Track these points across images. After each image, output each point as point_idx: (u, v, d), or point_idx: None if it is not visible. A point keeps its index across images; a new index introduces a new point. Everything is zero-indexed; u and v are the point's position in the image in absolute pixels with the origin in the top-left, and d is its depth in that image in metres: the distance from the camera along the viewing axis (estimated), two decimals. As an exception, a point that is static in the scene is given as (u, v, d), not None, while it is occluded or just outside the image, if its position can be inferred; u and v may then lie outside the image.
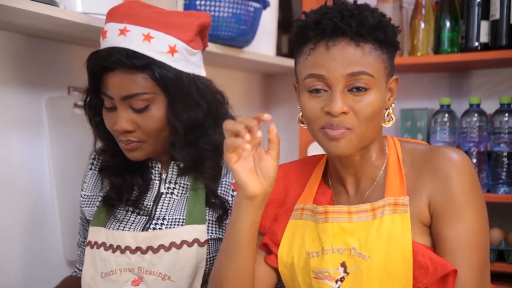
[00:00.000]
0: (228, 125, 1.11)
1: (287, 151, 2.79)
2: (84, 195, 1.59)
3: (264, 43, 2.36)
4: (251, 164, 1.15)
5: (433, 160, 1.21)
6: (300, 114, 1.28)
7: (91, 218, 1.55)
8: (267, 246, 1.32)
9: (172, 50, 1.41)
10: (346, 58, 1.15)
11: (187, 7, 1.98)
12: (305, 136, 2.45)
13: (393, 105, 1.26)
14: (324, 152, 1.35)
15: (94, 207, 1.56)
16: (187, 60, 1.44)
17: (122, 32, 1.39)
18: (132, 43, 1.38)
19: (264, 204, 1.19)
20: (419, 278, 1.15)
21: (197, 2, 1.98)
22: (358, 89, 1.16)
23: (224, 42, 2.08)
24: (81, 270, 1.60)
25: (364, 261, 1.18)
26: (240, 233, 1.19)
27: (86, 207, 1.58)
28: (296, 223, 1.29)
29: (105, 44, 1.42)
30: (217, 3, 1.99)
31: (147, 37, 1.39)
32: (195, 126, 1.44)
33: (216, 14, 1.99)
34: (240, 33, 2.08)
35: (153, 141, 1.44)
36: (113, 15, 1.43)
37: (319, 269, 1.22)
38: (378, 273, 1.17)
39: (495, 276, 2.11)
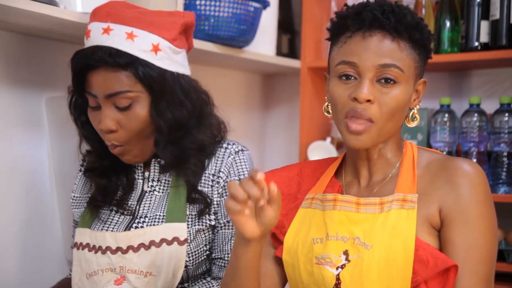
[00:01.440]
0: (231, 189, 1.11)
1: (287, 151, 2.80)
2: (74, 196, 1.60)
3: (264, 43, 2.36)
4: (251, 212, 1.14)
5: (449, 169, 1.23)
6: (326, 104, 1.31)
7: (79, 217, 1.56)
8: (276, 237, 1.33)
9: (156, 49, 1.41)
10: (380, 49, 1.19)
11: (187, 7, 1.98)
12: (305, 136, 2.45)
13: (418, 106, 1.29)
14: (323, 153, 1.35)
15: (82, 208, 1.57)
16: (171, 59, 1.44)
17: (106, 31, 1.40)
18: (116, 42, 1.39)
19: (263, 241, 1.20)
20: (418, 271, 1.16)
21: (197, 2, 1.98)
22: (387, 80, 1.19)
23: (224, 42, 2.08)
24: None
25: (366, 250, 1.19)
26: (241, 265, 1.20)
27: (75, 208, 1.59)
28: (305, 211, 1.31)
29: (88, 43, 1.43)
30: (217, 3, 1.99)
31: (130, 36, 1.40)
32: (179, 125, 1.44)
33: (216, 14, 1.99)
34: (240, 33, 2.08)
35: (136, 142, 1.44)
36: (97, 14, 1.44)
37: (322, 255, 1.23)
38: (378, 263, 1.18)
39: (495, 276, 2.11)
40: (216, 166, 1.51)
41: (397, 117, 1.23)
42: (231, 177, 1.50)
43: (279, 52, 2.54)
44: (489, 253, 1.20)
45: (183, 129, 1.46)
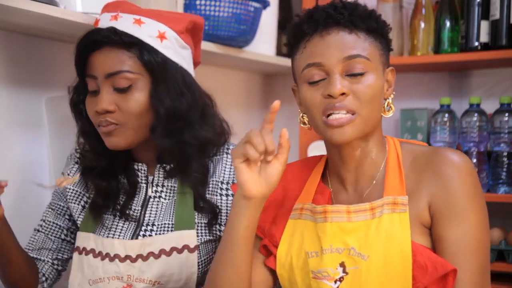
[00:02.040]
0: (253, 137, 1.13)
1: (287, 151, 2.79)
2: (70, 189, 1.55)
3: (264, 43, 2.36)
4: (256, 165, 1.15)
5: (434, 162, 1.20)
6: (301, 115, 1.28)
7: (77, 217, 1.53)
8: (267, 248, 1.31)
9: (162, 36, 1.42)
10: (341, 43, 1.18)
11: (187, 7, 1.98)
12: (305, 136, 2.45)
13: (392, 95, 1.26)
14: (323, 153, 1.35)
15: (79, 205, 1.54)
16: (176, 50, 1.44)
17: (114, 17, 1.42)
18: (122, 25, 1.40)
19: (262, 207, 1.19)
20: (418, 277, 1.14)
21: (197, 2, 1.98)
22: (356, 75, 1.18)
23: (224, 42, 2.08)
24: (30, 251, 1.56)
25: (363, 261, 1.18)
26: (236, 233, 1.19)
27: (72, 202, 1.54)
28: (295, 223, 1.29)
29: None
30: (217, 3, 1.99)
31: (138, 22, 1.41)
32: (178, 114, 1.42)
33: (216, 14, 1.99)
34: (240, 33, 2.08)
35: (133, 126, 1.41)
36: (107, 7, 1.48)
37: (318, 269, 1.21)
38: (377, 273, 1.16)
39: (495, 276, 2.11)
40: (224, 174, 1.48)
41: (376, 105, 1.21)
42: None
43: (279, 52, 2.54)
44: (481, 244, 1.17)
45: (183, 120, 1.43)
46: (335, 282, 1.19)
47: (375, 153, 1.26)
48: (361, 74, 1.18)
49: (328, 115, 1.18)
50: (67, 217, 1.58)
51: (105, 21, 1.43)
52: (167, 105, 1.40)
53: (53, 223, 1.58)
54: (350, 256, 1.19)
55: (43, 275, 1.55)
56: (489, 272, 1.21)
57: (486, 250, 1.19)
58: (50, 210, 1.59)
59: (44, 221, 1.59)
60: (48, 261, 1.56)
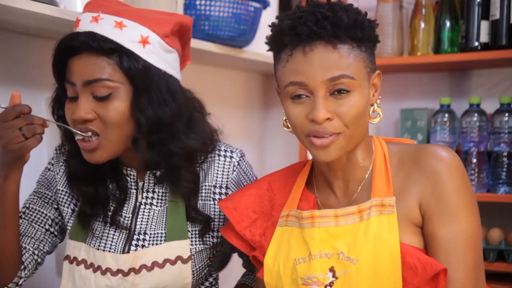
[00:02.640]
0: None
1: (287, 151, 2.80)
2: (60, 190, 1.49)
3: (264, 43, 2.36)
4: None
5: (421, 159, 1.19)
6: (284, 118, 1.26)
7: (67, 221, 1.47)
8: (257, 260, 1.30)
9: (144, 41, 1.33)
10: (325, 62, 1.14)
11: (187, 7, 1.98)
12: (305, 136, 2.45)
13: (378, 100, 1.24)
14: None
15: (68, 208, 1.48)
16: (160, 55, 1.35)
17: (95, 19, 1.33)
18: (103, 28, 1.31)
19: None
20: (408, 279, 1.14)
21: (197, 2, 1.98)
22: (340, 92, 1.15)
23: (224, 42, 2.08)
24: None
25: (352, 265, 1.17)
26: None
27: (63, 205, 1.48)
28: (282, 230, 1.27)
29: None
30: (217, 3, 1.99)
31: (119, 25, 1.32)
32: (160, 124, 1.34)
33: (216, 14, 1.99)
34: (240, 33, 2.08)
35: (113, 137, 1.32)
36: (89, 6, 1.39)
37: (308, 275, 1.20)
38: (367, 276, 1.15)
39: (495, 276, 2.12)
40: (217, 178, 1.44)
41: (361, 122, 1.19)
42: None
43: (279, 52, 2.54)
44: (474, 240, 1.16)
45: (166, 130, 1.36)
46: (325, 287, 1.19)
47: (362, 158, 1.25)
48: (345, 93, 1.15)
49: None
50: (54, 206, 1.50)
51: (85, 23, 1.34)
52: (149, 115, 1.32)
53: (38, 211, 1.49)
54: (339, 260, 1.18)
55: (23, 263, 1.43)
56: (483, 269, 1.20)
57: (479, 245, 1.18)
58: (35, 197, 1.51)
59: (27, 208, 1.49)
60: (29, 250, 1.44)
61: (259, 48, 2.31)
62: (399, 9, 2.35)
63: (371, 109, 1.22)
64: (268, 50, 1.25)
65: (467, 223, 1.16)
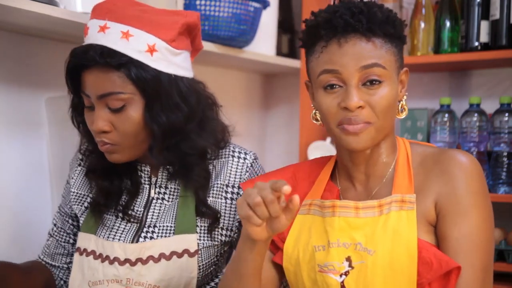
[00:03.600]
0: (256, 207, 1.07)
1: (287, 151, 2.80)
2: (74, 192, 1.56)
3: (264, 43, 2.36)
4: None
5: (442, 162, 1.22)
6: (314, 112, 1.30)
7: (81, 216, 1.54)
8: (275, 244, 1.33)
9: (151, 50, 1.36)
10: (359, 52, 1.18)
11: (187, 7, 1.98)
12: (305, 136, 2.45)
13: (405, 96, 1.28)
14: (323, 154, 1.35)
15: (82, 206, 1.54)
16: (168, 61, 1.38)
17: (102, 29, 1.36)
18: (110, 41, 1.35)
19: (268, 244, 1.20)
20: (423, 273, 1.16)
21: (197, 2, 1.98)
22: (372, 82, 1.19)
23: (224, 42, 2.08)
24: (43, 260, 1.60)
25: (369, 256, 1.19)
26: (243, 264, 1.20)
27: (75, 204, 1.55)
28: (304, 218, 1.30)
29: (86, 41, 1.39)
30: (217, 3, 1.99)
31: (126, 35, 1.35)
32: (174, 130, 1.38)
33: (216, 14, 1.99)
34: (240, 33, 2.08)
35: (129, 144, 1.39)
36: (97, 11, 1.40)
37: (325, 263, 1.23)
38: (382, 268, 1.18)
39: (495, 276, 2.11)
40: (230, 177, 1.47)
41: (391, 114, 1.23)
42: None
43: (279, 52, 2.54)
44: (484, 243, 1.18)
45: (179, 134, 1.40)
46: (341, 276, 1.21)
47: (386, 154, 1.28)
48: (378, 83, 1.19)
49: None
50: (71, 222, 1.59)
51: (93, 33, 1.37)
52: (163, 122, 1.37)
53: (61, 228, 1.60)
54: (356, 251, 1.21)
55: (61, 279, 1.59)
56: (491, 271, 1.22)
57: (490, 249, 1.20)
58: (59, 214, 1.61)
59: (55, 225, 1.61)
60: (63, 267, 1.59)
61: (259, 48, 2.31)
62: (399, 9, 2.35)
63: (400, 104, 1.27)
64: (301, 47, 1.29)
65: (480, 226, 1.18)
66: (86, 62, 1.35)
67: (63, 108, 1.70)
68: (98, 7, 1.41)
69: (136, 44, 1.35)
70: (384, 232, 1.19)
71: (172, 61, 1.39)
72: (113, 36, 1.35)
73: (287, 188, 1.05)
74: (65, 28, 1.64)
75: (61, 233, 1.59)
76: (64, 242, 1.59)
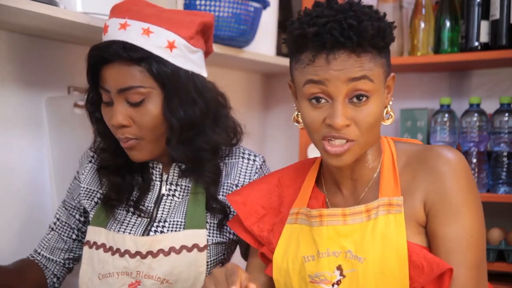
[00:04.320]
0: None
1: (287, 151, 2.80)
2: (84, 188, 1.58)
3: (264, 43, 2.36)
4: None
5: (428, 159, 1.21)
6: (296, 113, 1.28)
7: (91, 211, 1.55)
8: (265, 257, 1.31)
9: (171, 46, 1.40)
10: (347, 67, 1.14)
11: (187, 7, 1.98)
12: (305, 136, 2.45)
13: (390, 102, 1.25)
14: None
15: (92, 201, 1.56)
16: (186, 57, 1.43)
17: (123, 26, 1.40)
18: (131, 37, 1.39)
19: None
20: (415, 278, 1.14)
21: (197, 2, 1.98)
22: (359, 98, 1.15)
23: (224, 42, 2.08)
24: (39, 254, 1.60)
25: (360, 263, 1.17)
26: None
27: (85, 199, 1.57)
28: (291, 227, 1.29)
29: (105, 38, 1.43)
30: (217, 3, 1.99)
31: (146, 32, 1.39)
32: (191, 124, 1.43)
33: (216, 14, 1.99)
34: (240, 33, 2.08)
35: (149, 138, 1.42)
36: (116, 11, 1.45)
37: (315, 273, 1.21)
38: (374, 275, 1.16)
39: (495, 276, 2.11)
40: (239, 178, 1.51)
41: (376, 129, 1.20)
42: None
43: (279, 52, 2.54)
44: (476, 240, 1.17)
45: (196, 128, 1.44)
46: (333, 285, 1.20)
47: (372, 159, 1.26)
48: (365, 101, 1.15)
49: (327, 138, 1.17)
50: (77, 217, 1.60)
51: (114, 30, 1.41)
52: (181, 116, 1.41)
53: (65, 223, 1.61)
54: (347, 259, 1.19)
55: (55, 275, 1.60)
56: (485, 268, 1.21)
57: (482, 246, 1.19)
58: (63, 209, 1.62)
59: (58, 219, 1.62)
60: (60, 262, 1.61)
61: (259, 48, 2.31)
62: (399, 9, 2.35)
63: (385, 111, 1.23)
64: (283, 42, 1.25)
65: (469, 223, 1.17)
66: (108, 56, 1.38)
67: (63, 108, 1.71)
68: (117, 6, 1.46)
69: (156, 40, 1.39)
70: (373, 238, 1.18)
71: (190, 58, 1.44)
72: (134, 32, 1.39)
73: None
74: (65, 28, 1.64)
75: (65, 227, 1.60)
76: (66, 236, 1.60)
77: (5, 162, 1.73)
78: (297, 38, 1.18)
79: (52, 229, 1.62)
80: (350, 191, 1.27)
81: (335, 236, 1.21)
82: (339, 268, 1.19)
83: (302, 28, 1.17)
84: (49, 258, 1.60)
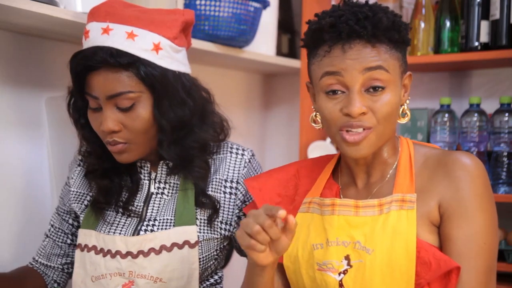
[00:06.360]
0: (257, 235, 1.09)
1: (287, 151, 2.80)
2: (73, 191, 1.57)
3: (264, 43, 2.36)
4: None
5: (447, 164, 1.22)
6: (314, 114, 1.30)
7: (81, 214, 1.55)
8: None
9: (157, 48, 1.39)
10: (362, 57, 1.17)
11: (187, 7, 1.98)
12: (305, 136, 2.45)
13: (407, 101, 1.28)
14: (323, 153, 1.36)
15: (82, 204, 1.55)
16: (172, 58, 1.42)
17: (105, 31, 1.38)
18: (116, 42, 1.37)
19: (275, 266, 1.21)
20: (421, 273, 1.16)
21: (197, 2, 1.98)
22: (375, 88, 1.18)
23: (224, 42, 2.08)
24: (37, 261, 1.61)
25: (367, 255, 1.19)
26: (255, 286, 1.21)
27: (75, 203, 1.56)
28: (303, 216, 1.30)
29: (87, 44, 1.41)
30: (217, 3, 1.99)
31: (131, 35, 1.38)
32: (182, 124, 1.43)
33: (216, 14, 1.99)
34: (240, 33, 2.08)
35: (140, 141, 1.42)
36: (95, 14, 1.42)
37: (323, 261, 1.23)
38: (380, 267, 1.18)
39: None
40: (228, 173, 1.50)
41: (393, 120, 1.23)
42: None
43: (279, 52, 2.54)
44: (488, 246, 1.19)
45: (186, 128, 1.44)
46: (339, 274, 1.21)
47: (388, 155, 1.28)
48: (381, 89, 1.18)
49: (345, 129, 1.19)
50: (70, 222, 1.60)
51: (96, 35, 1.39)
52: (171, 117, 1.41)
53: (59, 229, 1.61)
54: (355, 249, 1.21)
55: (55, 281, 1.61)
56: (495, 274, 1.23)
57: (493, 252, 1.21)
58: (56, 215, 1.62)
59: (52, 226, 1.62)
60: (58, 267, 1.61)
61: (259, 48, 2.31)
62: (399, 9, 2.35)
63: (401, 109, 1.26)
64: (302, 46, 1.28)
65: (482, 228, 1.19)
66: (96, 64, 1.36)
67: (63, 108, 1.70)
68: (95, 10, 1.43)
69: (142, 43, 1.38)
70: (383, 231, 1.19)
71: (175, 58, 1.43)
72: (118, 37, 1.37)
73: (282, 213, 1.08)
74: (65, 28, 1.64)
75: (59, 233, 1.60)
76: (61, 242, 1.60)
77: (5, 162, 1.73)
78: (314, 32, 1.22)
79: (47, 236, 1.62)
80: (364, 185, 1.29)
81: (345, 226, 1.23)
82: (347, 258, 1.21)
83: (318, 22, 1.21)
84: (46, 265, 1.60)
